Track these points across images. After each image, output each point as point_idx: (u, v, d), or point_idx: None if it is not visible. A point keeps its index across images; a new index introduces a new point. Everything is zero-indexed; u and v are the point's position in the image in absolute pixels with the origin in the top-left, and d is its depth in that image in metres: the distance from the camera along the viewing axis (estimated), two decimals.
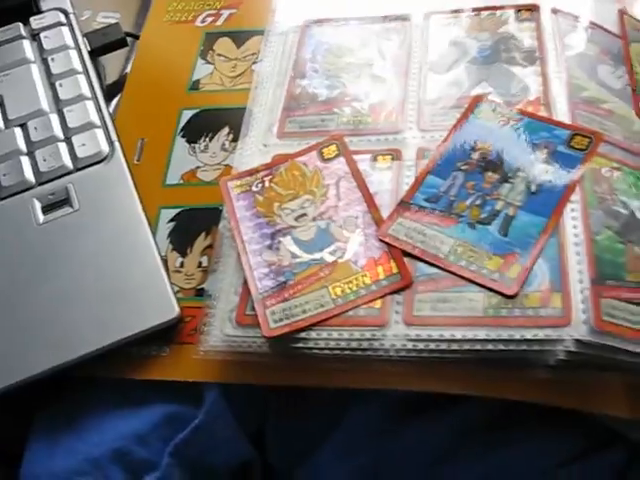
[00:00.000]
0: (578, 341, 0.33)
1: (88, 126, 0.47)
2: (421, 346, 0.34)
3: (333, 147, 0.42)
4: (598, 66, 0.45)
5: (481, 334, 0.33)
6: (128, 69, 0.54)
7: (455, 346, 0.34)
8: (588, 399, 0.36)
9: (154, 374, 0.40)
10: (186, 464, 0.39)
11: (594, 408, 0.36)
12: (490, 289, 0.35)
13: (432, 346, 0.34)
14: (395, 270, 0.36)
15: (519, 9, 0.47)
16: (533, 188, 0.38)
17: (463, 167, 0.39)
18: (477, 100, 0.42)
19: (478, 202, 0.38)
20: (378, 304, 0.36)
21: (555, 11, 0.47)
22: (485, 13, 0.48)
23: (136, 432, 0.40)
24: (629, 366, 0.34)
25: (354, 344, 0.35)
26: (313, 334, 0.35)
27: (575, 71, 0.44)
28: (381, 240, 0.37)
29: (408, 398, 0.39)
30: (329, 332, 0.35)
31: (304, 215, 0.40)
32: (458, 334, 0.34)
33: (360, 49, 0.48)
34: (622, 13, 0.51)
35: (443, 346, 0.34)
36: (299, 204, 0.40)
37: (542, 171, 0.38)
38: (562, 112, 0.41)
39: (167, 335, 0.40)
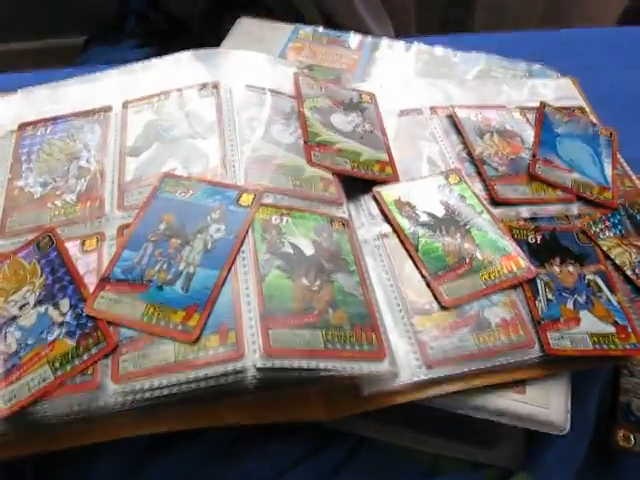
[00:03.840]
0: (258, 368, 0.40)
1: None
2: (130, 398, 0.41)
3: (47, 239, 0.48)
4: (271, 126, 0.54)
5: (173, 379, 0.41)
6: None
7: (157, 393, 0.41)
8: (292, 411, 0.44)
9: None
10: None
11: (298, 417, 0.44)
12: (175, 339, 0.42)
13: (138, 397, 0.41)
14: (101, 338, 0.43)
15: (200, 87, 0.56)
16: (209, 246, 0.45)
17: (152, 239, 0.46)
18: (163, 177, 0.50)
19: (165, 267, 0.45)
20: (91, 370, 0.42)
21: (246, 87, 0.56)
22: (174, 94, 0.56)
23: None
24: (305, 380, 0.42)
25: (75, 408, 0.41)
26: (38, 407, 0.41)
27: (249, 136, 0.52)
28: (88, 315, 0.44)
29: (147, 440, 0.45)
30: (50, 403, 0.41)
31: (26, 304, 0.45)
32: (156, 382, 0.41)
33: (68, 145, 0.54)
34: (297, 75, 0.60)
35: (147, 395, 0.41)
36: (22, 295, 0.46)
37: (215, 230, 0.46)
38: (238, 172, 0.50)
39: None
